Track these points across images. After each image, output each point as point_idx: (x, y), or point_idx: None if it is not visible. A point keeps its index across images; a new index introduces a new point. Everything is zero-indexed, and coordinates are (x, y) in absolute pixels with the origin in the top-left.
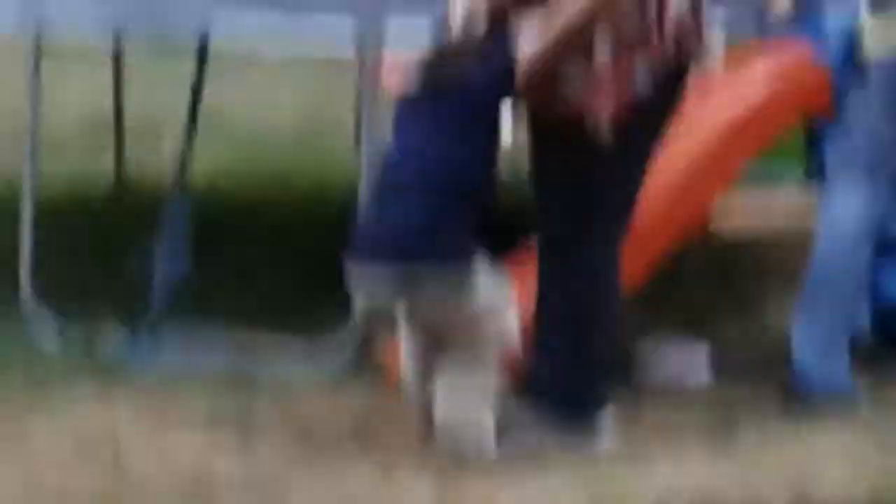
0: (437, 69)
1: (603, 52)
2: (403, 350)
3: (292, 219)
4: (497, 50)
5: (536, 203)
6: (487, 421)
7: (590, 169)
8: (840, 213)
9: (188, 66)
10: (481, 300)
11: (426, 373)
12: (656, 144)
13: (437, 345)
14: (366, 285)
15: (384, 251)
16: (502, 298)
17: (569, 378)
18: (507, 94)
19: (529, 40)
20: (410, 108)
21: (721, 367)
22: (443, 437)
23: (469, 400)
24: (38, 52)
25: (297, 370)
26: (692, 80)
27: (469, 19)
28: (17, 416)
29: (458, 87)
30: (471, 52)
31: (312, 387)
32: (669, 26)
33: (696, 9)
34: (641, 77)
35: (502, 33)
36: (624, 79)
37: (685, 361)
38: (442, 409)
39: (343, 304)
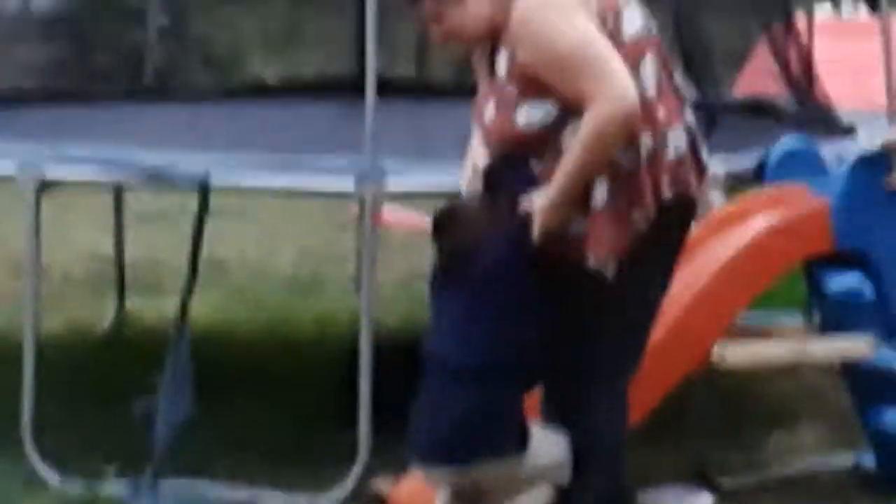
0: (453, 234)
1: (601, 197)
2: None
3: (293, 364)
4: (512, 221)
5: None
6: None
7: (596, 310)
8: None
9: (189, 200)
10: (536, 466)
11: None
12: (660, 283)
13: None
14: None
15: (442, 455)
16: (556, 456)
17: None
18: (528, 259)
19: (537, 200)
20: (444, 291)
21: None
22: None
23: None
24: (39, 193)
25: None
26: (696, 217)
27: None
28: None
29: (480, 260)
30: (483, 217)
31: None
32: (666, 168)
33: (694, 146)
34: (638, 218)
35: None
36: (623, 221)
37: None
38: None
39: (343, 447)
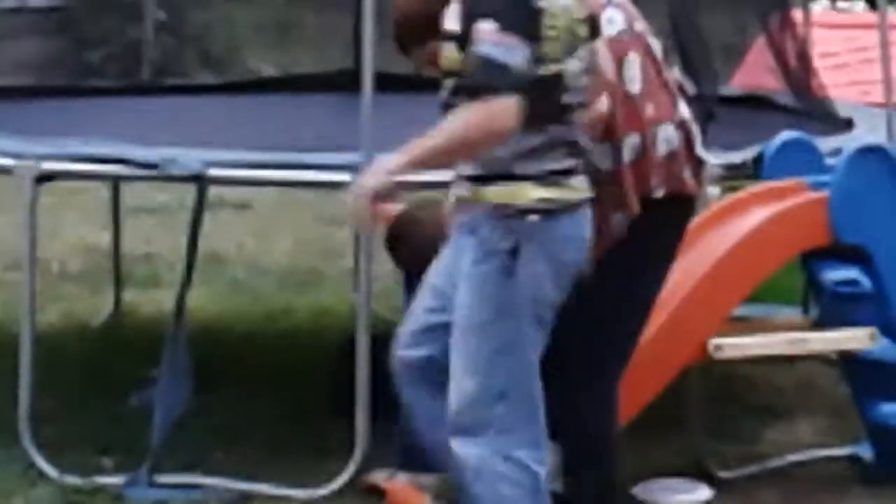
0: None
1: None
2: None
3: (290, 357)
4: None
5: None
6: None
7: (581, 307)
8: None
9: (186, 194)
10: None
11: None
12: (652, 277)
13: None
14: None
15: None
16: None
17: None
18: None
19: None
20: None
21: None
22: None
23: None
24: (36, 186)
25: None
26: (693, 212)
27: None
28: None
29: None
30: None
31: None
32: (656, 165)
33: (689, 141)
34: (620, 220)
35: None
36: (603, 221)
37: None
38: None
39: (339, 440)
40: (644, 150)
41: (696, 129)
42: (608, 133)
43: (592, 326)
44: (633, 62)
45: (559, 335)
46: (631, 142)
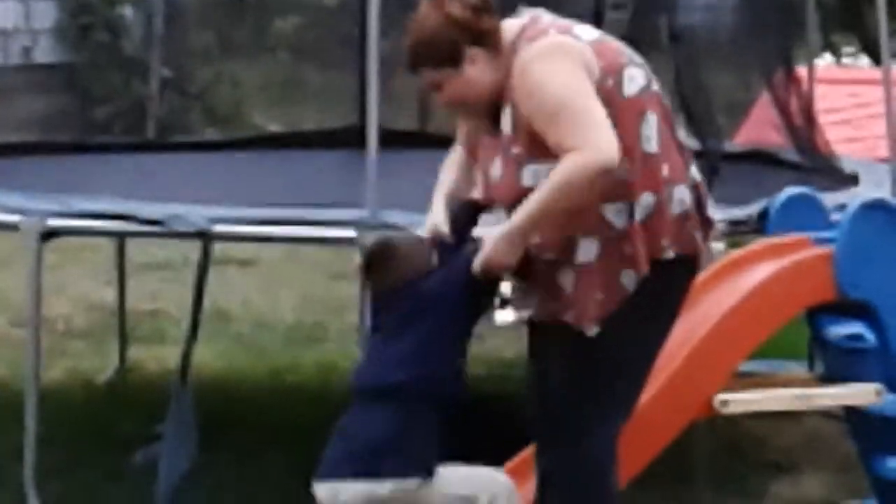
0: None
1: (588, 255)
2: None
3: (296, 412)
4: (458, 255)
5: (534, 399)
6: None
7: (584, 360)
8: None
9: (191, 250)
10: (442, 495)
11: None
12: (656, 332)
13: None
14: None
15: (346, 467)
16: (469, 490)
17: None
18: (474, 299)
19: (490, 235)
20: (376, 315)
21: None
22: None
23: None
24: (42, 242)
25: None
26: (698, 271)
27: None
28: None
29: (410, 292)
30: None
31: None
32: (669, 225)
33: (700, 202)
34: (628, 279)
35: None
36: (612, 280)
37: None
38: None
39: None
40: (658, 210)
41: (705, 189)
42: (623, 192)
43: (595, 378)
44: (651, 121)
45: (561, 387)
46: (645, 201)
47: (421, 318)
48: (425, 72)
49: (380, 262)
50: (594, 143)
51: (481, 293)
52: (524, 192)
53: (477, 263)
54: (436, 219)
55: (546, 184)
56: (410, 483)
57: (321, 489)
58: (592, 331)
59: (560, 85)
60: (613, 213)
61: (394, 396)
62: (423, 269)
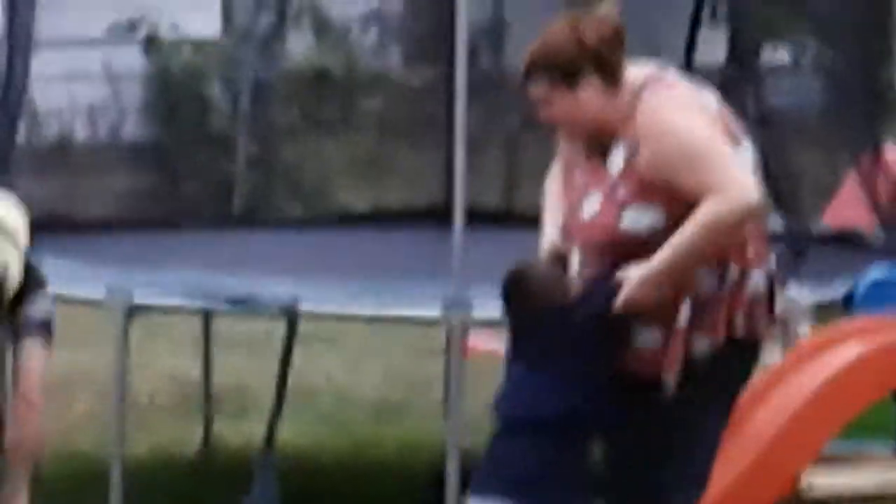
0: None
1: (684, 319)
2: None
3: (379, 489)
4: (597, 293)
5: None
6: None
7: (658, 426)
8: None
9: (276, 326)
10: None
11: None
12: (719, 416)
13: None
14: None
15: (500, 488)
16: None
17: None
18: (608, 339)
19: (634, 270)
20: (516, 342)
21: None
22: None
23: None
24: (128, 318)
25: None
26: (759, 360)
27: (554, 251)
28: None
29: (556, 324)
30: (553, 282)
31: None
32: (743, 305)
33: (772, 291)
34: (700, 346)
35: (601, 279)
36: (689, 343)
37: None
38: None
39: None
40: (738, 288)
41: (778, 280)
42: (720, 258)
43: (662, 455)
44: None
45: (628, 463)
46: (732, 271)
47: (568, 349)
48: (538, 82)
49: (520, 287)
50: (741, 183)
51: (620, 330)
52: (619, 236)
53: (620, 301)
54: (552, 238)
55: (691, 224)
56: None
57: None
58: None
59: (700, 129)
60: (705, 275)
61: (548, 428)
62: (561, 297)
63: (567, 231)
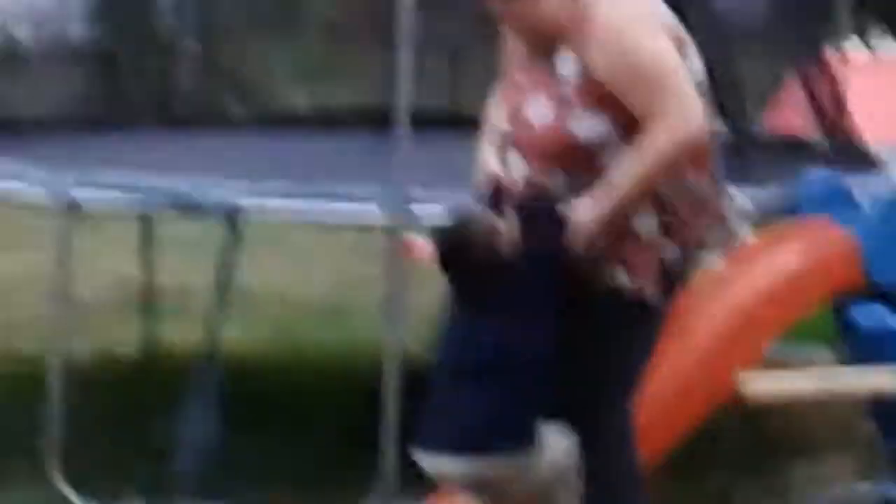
0: (462, 240)
1: (648, 228)
2: None
3: (321, 392)
4: (540, 231)
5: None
6: None
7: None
8: None
9: (220, 228)
10: (548, 471)
11: None
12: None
13: None
14: (434, 471)
15: (450, 443)
16: (570, 465)
17: None
18: (555, 274)
19: (584, 210)
20: (458, 294)
21: None
22: None
23: None
24: (69, 219)
25: None
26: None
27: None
28: None
29: (499, 268)
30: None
31: None
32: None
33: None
34: (671, 254)
35: (544, 211)
36: (658, 255)
37: None
38: None
39: (368, 475)
40: (705, 200)
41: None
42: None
43: (626, 354)
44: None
45: (591, 360)
46: (697, 186)
47: (511, 296)
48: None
49: (457, 249)
50: (686, 111)
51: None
52: (566, 141)
53: (581, 246)
54: (490, 165)
55: (636, 157)
56: (519, 458)
57: (426, 461)
58: (651, 298)
59: (654, 48)
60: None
61: (492, 373)
62: (499, 251)
63: (508, 132)
